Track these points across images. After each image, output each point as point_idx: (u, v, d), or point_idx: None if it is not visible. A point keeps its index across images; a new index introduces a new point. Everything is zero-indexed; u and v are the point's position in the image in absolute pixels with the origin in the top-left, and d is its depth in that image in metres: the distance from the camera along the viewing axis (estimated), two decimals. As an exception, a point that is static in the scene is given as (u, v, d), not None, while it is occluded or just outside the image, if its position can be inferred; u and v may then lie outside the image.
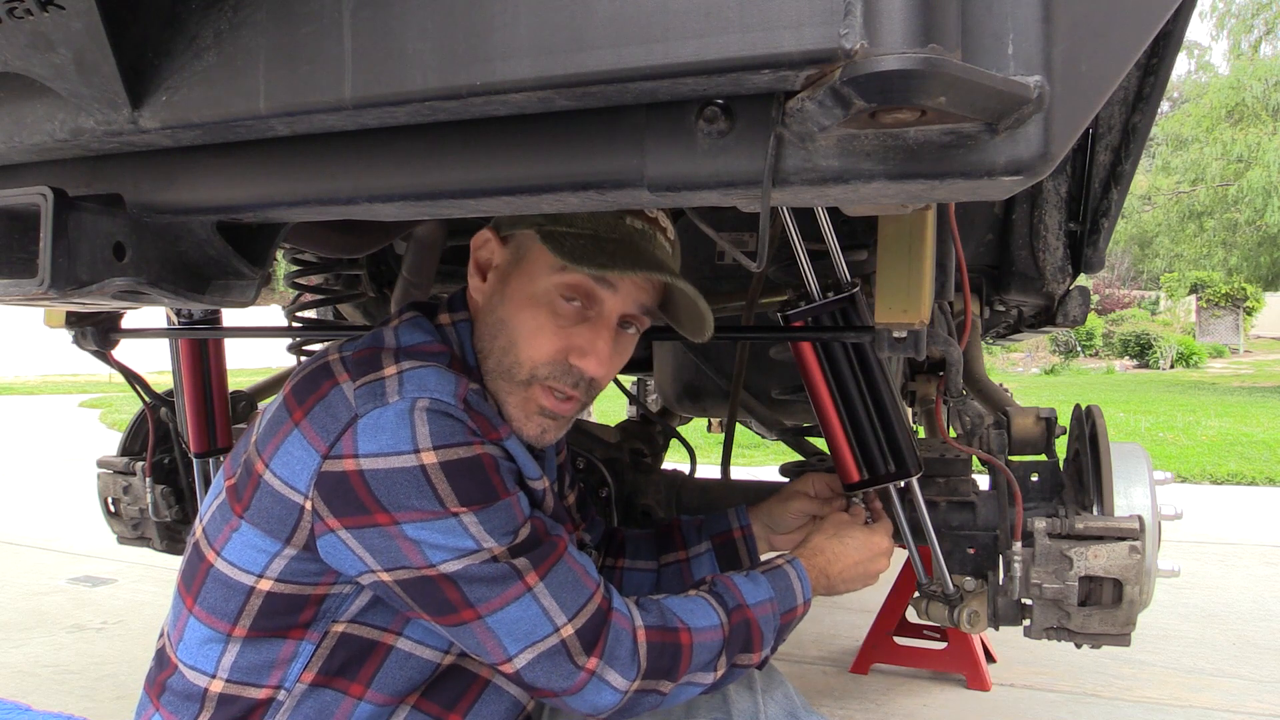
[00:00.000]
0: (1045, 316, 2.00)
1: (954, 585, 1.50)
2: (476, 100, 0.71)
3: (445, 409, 1.02)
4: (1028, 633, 1.46)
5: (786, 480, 1.62)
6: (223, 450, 1.99)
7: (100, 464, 2.27)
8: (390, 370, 1.06)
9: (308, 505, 1.02)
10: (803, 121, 0.66)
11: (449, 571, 1.01)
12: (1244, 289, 27.58)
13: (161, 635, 1.19)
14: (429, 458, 0.99)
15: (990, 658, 3.05)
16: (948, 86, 0.58)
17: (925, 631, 3.02)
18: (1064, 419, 1.64)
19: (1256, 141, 15.23)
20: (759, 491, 1.78)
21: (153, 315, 1.62)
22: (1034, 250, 1.67)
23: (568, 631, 1.05)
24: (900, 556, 1.52)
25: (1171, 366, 22.92)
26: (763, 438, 4.14)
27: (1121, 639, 1.41)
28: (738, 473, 2.00)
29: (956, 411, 1.54)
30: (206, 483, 2.00)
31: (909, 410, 2.48)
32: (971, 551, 1.54)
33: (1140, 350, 23.52)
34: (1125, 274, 29.55)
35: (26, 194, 0.82)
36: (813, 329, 1.33)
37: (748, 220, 1.82)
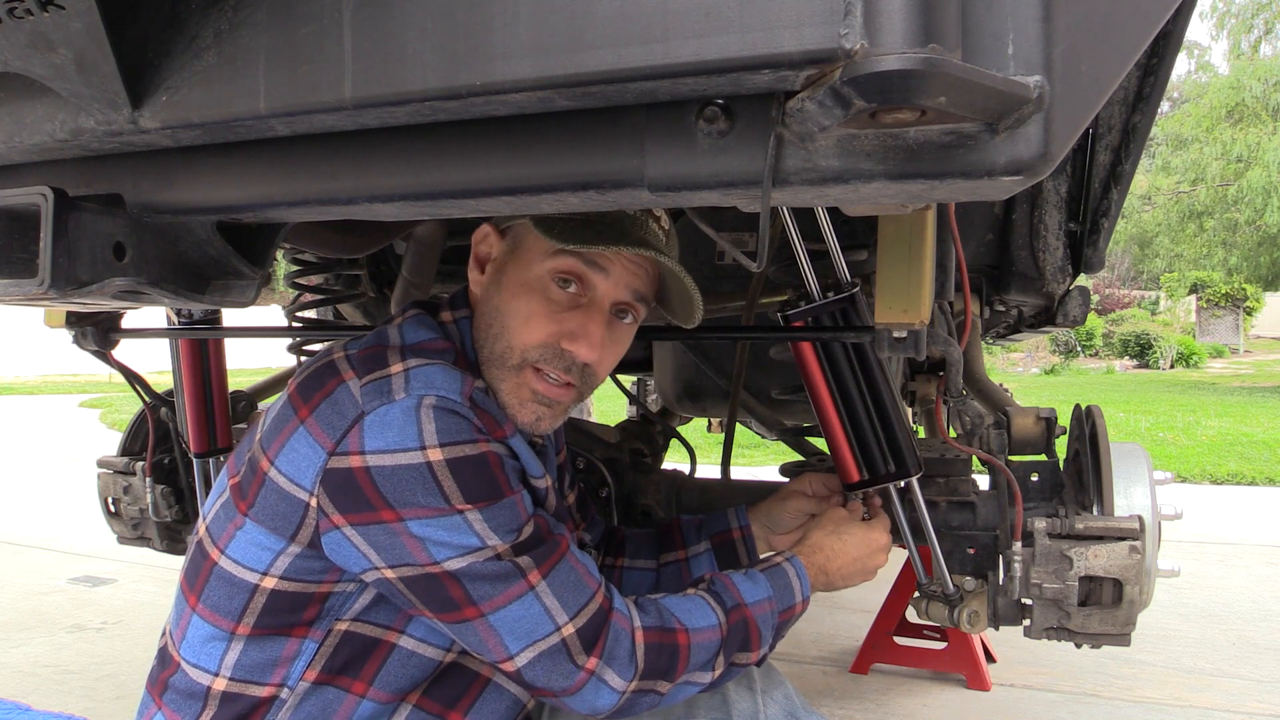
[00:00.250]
0: (1045, 316, 2.00)
1: (954, 585, 1.50)
2: (476, 100, 0.71)
3: (451, 406, 1.03)
4: (1028, 633, 1.46)
5: (786, 480, 1.62)
6: (223, 450, 1.99)
7: (100, 464, 2.27)
8: (396, 367, 1.06)
9: (313, 502, 1.02)
10: (803, 121, 0.66)
11: (453, 569, 1.01)
12: (1244, 289, 27.58)
13: (164, 634, 1.19)
14: (435, 455, 1.00)
15: (990, 658, 3.05)
16: (948, 86, 0.58)
17: (925, 631, 3.02)
18: (1064, 419, 1.64)
19: (1256, 141, 15.22)
20: (759, 491, 1.78)
21: (153, 315, 1.62)
22: (1034, 250, 1.67)
23: (569, 631, 1.05)
24: (900, 556, 1.52)
25: (1171, 366, 22.92)
26: (763, 438, 4.14)
27: (1121, 639, 1.41)
28: (738, 473, 2.00)
29: (956, 411, 1.54)
30: (207, 482, 2.00)
31: (909, 410, 2.49)
32: (971, 551, 1.54)
33: (1140, 350, 23.52)
34: (1125, 274, 29.55)
35: (27, 194, 0.82)
36: (813, 329, 1.33)
37: (748, 220, 1.82)
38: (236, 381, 2.19)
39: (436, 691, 1.14)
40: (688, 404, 2.39)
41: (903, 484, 1.40)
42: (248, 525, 1.07)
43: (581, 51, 0.66)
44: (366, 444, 1.00)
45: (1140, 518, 1.39)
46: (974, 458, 1.51)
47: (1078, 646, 1.47)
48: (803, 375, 1.40)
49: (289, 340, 2.03)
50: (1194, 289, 27.88)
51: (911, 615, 2.92)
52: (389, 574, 1.03)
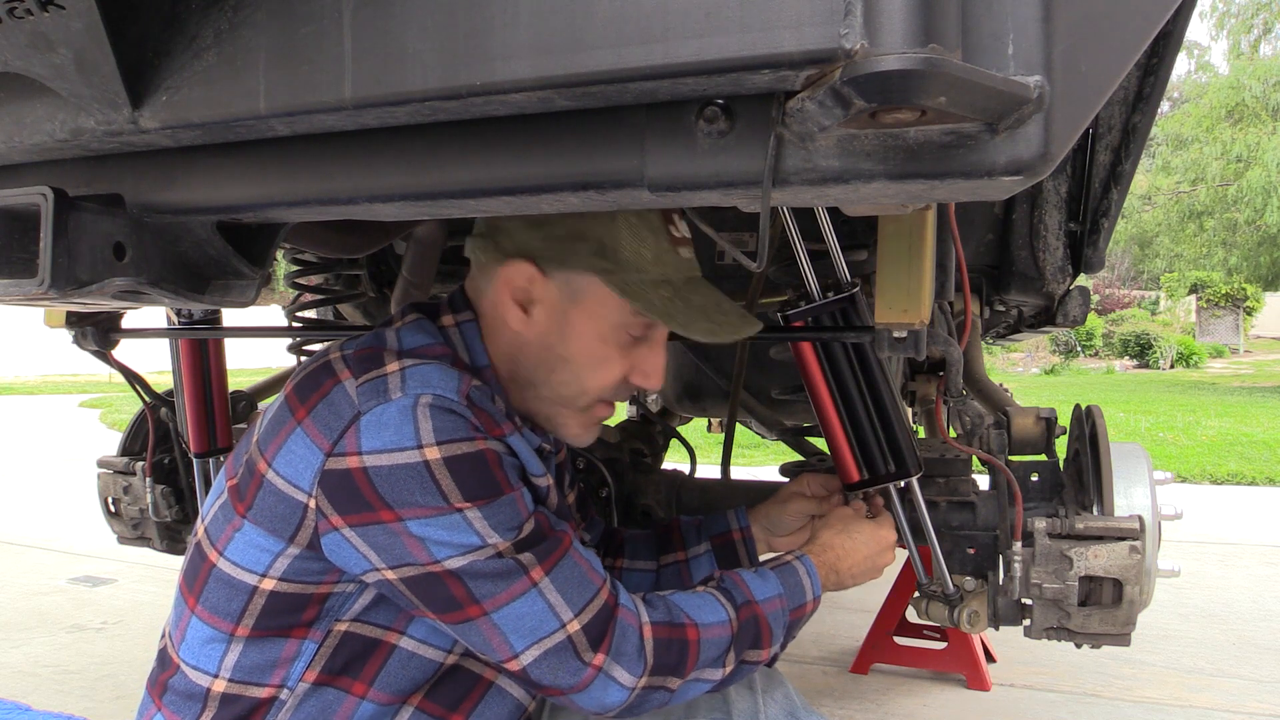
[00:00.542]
0: (1045, 316, 2.00)
1: (954, 585, 1.50)
2: (476, 100, 0.71)
3: (448, 405, 1.02)
4: (1028, 633, 1.46)
5: (786, 480, 1.62)
6: (223, 450, 1.99)
7: (100, 464, 2.27)
8: (393, 367, 1.06)
9: (311, 503, 1.02)
10: (803, 121, 0.66)
11: (454, 568, 1.01)
12: (1244, 289, 27.58)
13: (163, 636, 1.19)
14: (432, 453, 0.99)
15: (990, 658, 3.05)
16: (948, 86, 0.58)
17: (925, 631, 3.02)
18: (1064, 419, 1.64)
19: (1256, 141, 15.22)
20: (759, 491, 1.78)
21: (153, 315, 1.62)
22: (1034, 250, 1.67)
23: (574, 627, 1.05)
24: (900, 555, 1.52)
25: (1171, 366, 22.92)
26: (763, 438, 4.14)
27: (1121, 639, 1.41)
28: (738, 473, 2.00)
29: (956, 411, 1.54)
30: (207, 483, 2.00)
31: (909, 410, 2.49)
32: (971, 551, 1.54)
33: (1140, 350, 23.52)
34: (1125, 274, 29.55)
35: (26, 194, 0.82)
36: (813, 329, 1.33)
37: (748, 220, 1.82)
38: (236, 381, 2.19)
39: (438, 693, 1.13)
40: (688, 404, 2.39)
41: (903, 484, 1.40)
42: (246, 527, 1.06)
43: (581, 51, 0.66)
44: (363, 444, 1.00)
45: (1140, 518, 1.39)
46: (974, 458, 1.51)
47: (1078, 646, 1.47)
48: (803, 375, 1.40)
49: (289, 340, 2.03)
50: (1194, 289, 27.88)
51: (911, 615, 2.92)
52: (390, 575, 1.02)
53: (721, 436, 2.09)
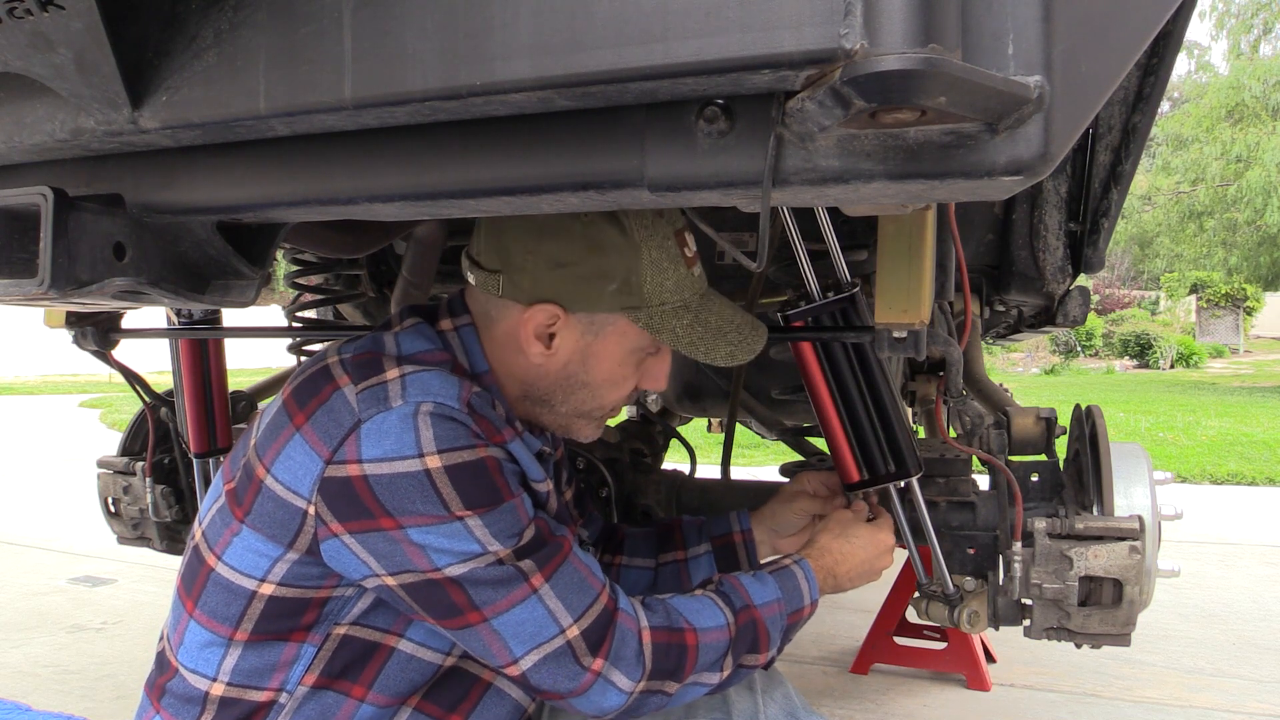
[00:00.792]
0: (1045, 316, 2.00)
1: (954, 585, 1.50)
2: (476, 100, 0.71)
3: (449, 413, 1.02)
4: (1028, 633, 1.46)
5: (786, 480, 1.62)
6: (223, 450, 1.99)
7: (100, 464, 2.27)
8: (393, 374, 1.05)
9: (311, 510, 1.01)
10: (803, 121, 0.66)
11: (454, 575, 1.01)
12: (1244, 289, 27.58)
13: (162, 638, 1.18)
14: (433, 462, 0.99)
15: (990, 658, 3.05)
16: (948, 86, 0.58)
17: (925, 631, 3.01)
18: (1064, 419, 1.64)
19: (1256, 141, 15.22)
20: (759, 492, 1.78)
21: (153, 315, 1.62)
22: (1034, 250, 1.67)
23: (573, 632, 1.05)
24: (900, 556, 1.52)
25: (1171, 366, 22.92)
26: (763, 438, 4.14)
27: (1121, 639, 1.41)
28: (738, 473, 2.00)
29: (956, 411, 1.54)
30: (207, 482, 2.00)
31: (909, 410, 2.49)
32: (971, 551, 1.54)
33: (1140, 350, 23.52)
34: (1125, 274, 29.55)
35: (27, 194, 0.82)
36: (813, 329, 1.33)
37: (748, 220, 1.82)
38: (236, 381, 2.19)
39: (437, 695, 1.13)
40: (688, 404, 2.39)
41: (903, 484, 1.40)
42: (245, 532, 1.06)
43: (581, 51, 0.66)
44: (364, 452, 0.99)
45: (1140, 518, 1.39)
46: (974, 458, 1.51)
47: (1078, 646, 1.47)
48: (803, 375, 1.40)
49: (289, 340, 2.03)
50: (1194, 289, 27.88)
51: (911, 615, 2.92)
52: (390, 581, 1.02)
53: (721, 436, 2.09)
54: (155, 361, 2.81)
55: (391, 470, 0.99)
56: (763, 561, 1.38)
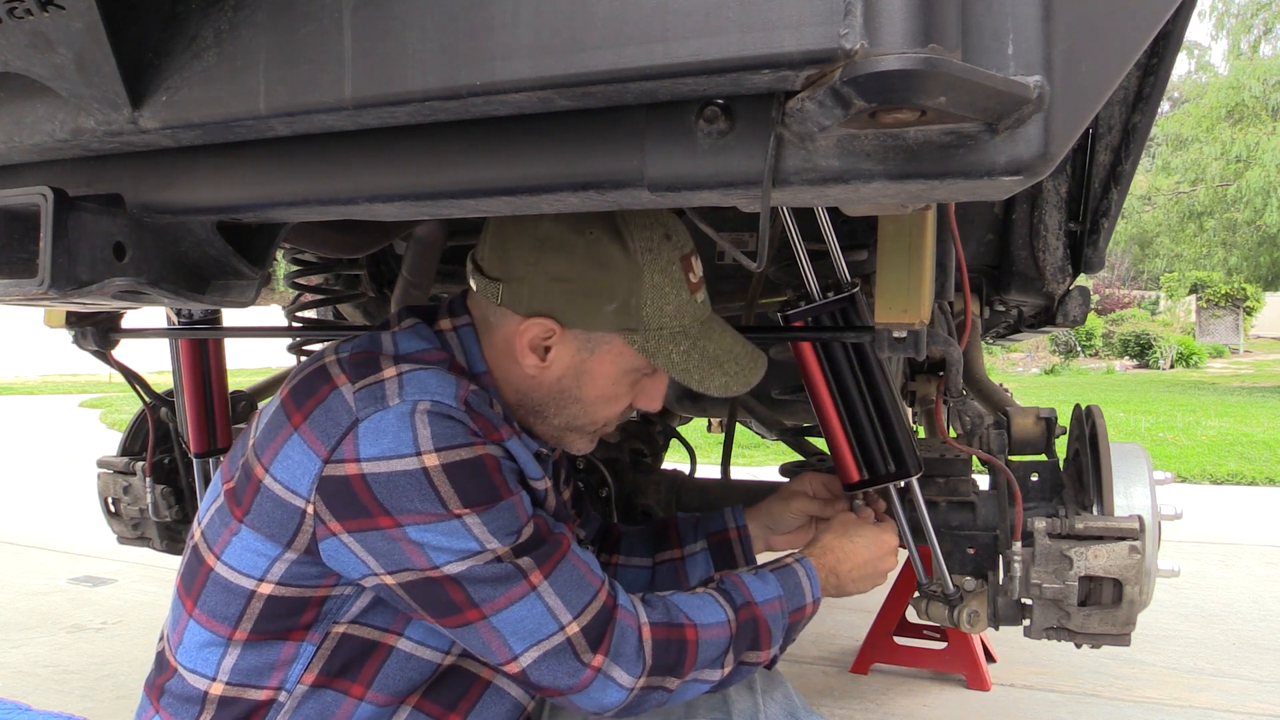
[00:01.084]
0: (1045, 316, 2.00)
1: (954, 585, 1.50)
2: (476, 100, 0.71)
3: (446, 411, 1.02)
4: (1028, 633, 1.46)
5: (786, 480, 1.62)
6: (223, 450, 1.99)
7: (100, 464, 2.27)
8: (390, 372, 1.05)
9: (309, 509, 1.02)
10: (803, 121, 0.66)
11: (453, 573, 1.01)
12: (1244, 289, 27.58)
13: (161, 638, 1.19)
14: (431, 460, 0.99)
15: (990, 658, 3.05)
16: (948, 86, 0.58)
17: (925, 631, 3.01)
18: (1064, 419, 1.64)
19: (1256, 141, 15.22)
20: (759, 491, 1.78)
21: (153, 315, 1.62)
22: (1034, 250, 1.67)
23: (573, 629, 1.05)
24: (900, 556, 1.51)
25: (1171, 366, 22.92)
26: (763, 438, 4.14)
27: (1121, 639, 1.41)
28: (738, 473, 2.00)
29: (956, 411, 1.54)
30: (206, 482, 2.00)
31: (909, 410, 2.48)
32: (971, 551, 1.54)
33: (1140, 350, 23.52)
34: (1125, 274, 29.55)
35: (27, 194, 0.82)
36: (813, 329, 1.33)
37: (748, 220, 1.82)
38: (236, 381, 2.19)
39: (436, 694, 1.13)
40: (688, 404, 2.39)
41: (903, 484, 1.40)
42: (243, 532, 1.06)
43: (582, 51, 0.66)
44: (362, 451, 0.99)
45: (1140, 518, 1.39)
46: (974, 458, 1.51)
47: (1078, 646, 1.47)
48: (803, 375, 1.40)
49: (289, 340, 2.03)
50: (1194, 289, 27.88)
51: (911, 615, 2.92)
52: (389, 580, 1.02)
53: (721, 436, 2.09)
54: (155, 361, 2.81)
55: (389, 469, 0.99)
56: (764, 560, 1.38)
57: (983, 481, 1.60)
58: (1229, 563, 4.52)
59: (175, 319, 1.84)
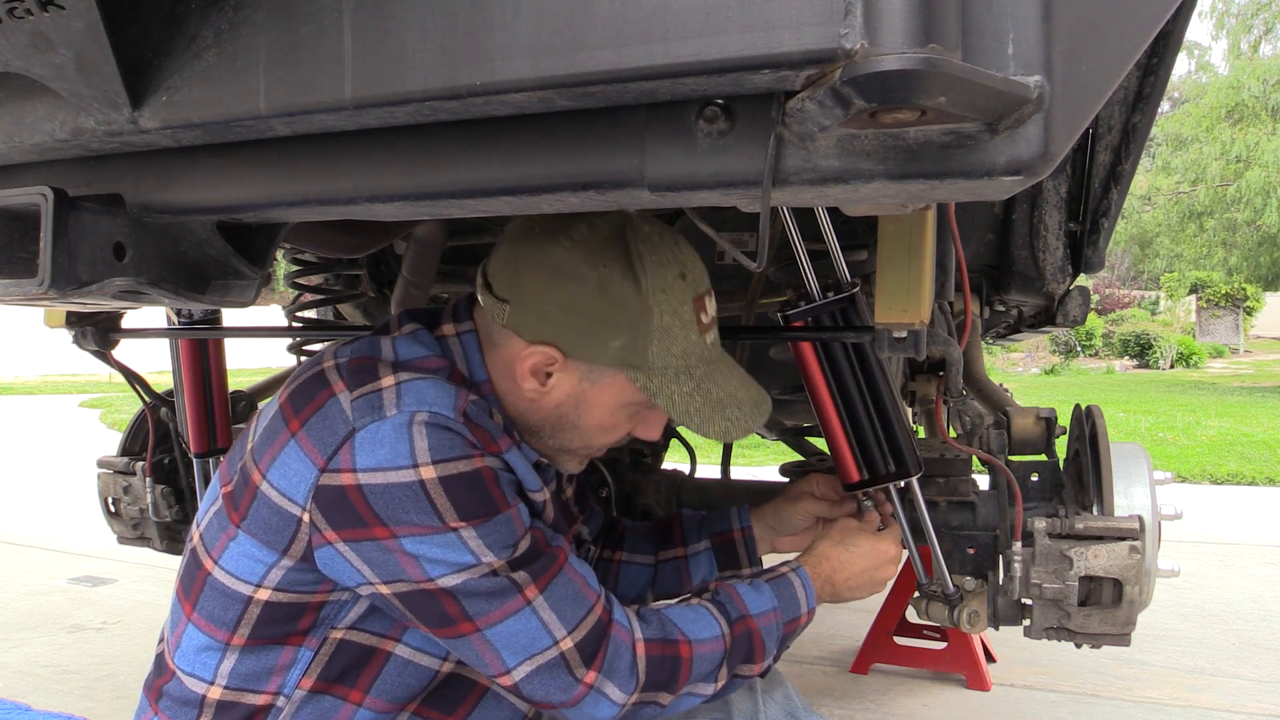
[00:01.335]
0: (1045, 316, 2.00)
1: (954, 585, 1.50)
2: (476, 100, 0.71)
3: (444, 422, 1.01)
4: (1028, 633, 1.46)
5: (786, 480, 1.61)
6: (222, 450, 1.99)
7: (100, 464, 2.27)
8: (388, 381, 1.04)
9: (305, 517, 1.01)
10: (803, 121, 0.66)
11: (447, 586, 1.00)
12: (1244, 289, 27.58)
13: (161, 639, 1.19)
14: (428, 472, 0.98)
15: (990, 658, 3.05)
16: (948, 86, 0.58)
17: (925, 631, 3.01)
18: (1064, 419, 1.64)
19: (1256, 141, 15.22)
20: (759, 491, 1.78)
21: (153, 315, 1.62)
22: (1034, 250, 1.67)
23: (567, 644, 1.05)
24: (900, 559, 1.51)
25: (1171, 366, 22.91)
26: (763, 438, 4.14)
27: (1121, 639, 1.41)
28: (738, 473, 2.00)
29: (956, 411, 1.54)
30: (206, 482, 2.00)
31: (909, 410, 2.49)
32: (971, 551, 1.54)
33: (1140, 350, 23.51)
34: (1125, 274, 29.54)
35: (27, 194, 0.82)
36: (813, 329, 1.32)
37: (748, 220, 1.82)
38: (236, 381, 2.19)
39: (435, 700, 1.13)
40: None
41: (903, 484, 1.40)
42: (240, 537, 1.06)
43: (581, 51, 0.66)
44: (358, 461, 0.99)
45: (1140, 518, 1.39)
46: (974, 458, 1.51)
47: (1078, 646, 1.47)
48: (803, 375, 1.40)
49: (289, 340, 2.03)
50: (1194, 289, 27.89)
51: (911, 615, 2.92)
52: (383, 589, 1.02)
53: (721, 436, 2.08)
54: (155, 361, 2.81)
55: (385, 480, 0.98)
56: (760, 569, 1.37)
57: (983, 481, 1.60)
58: (1229, 563, 4.52)
59: (175, 319, 1.84)
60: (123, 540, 2.29)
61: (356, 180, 0.84)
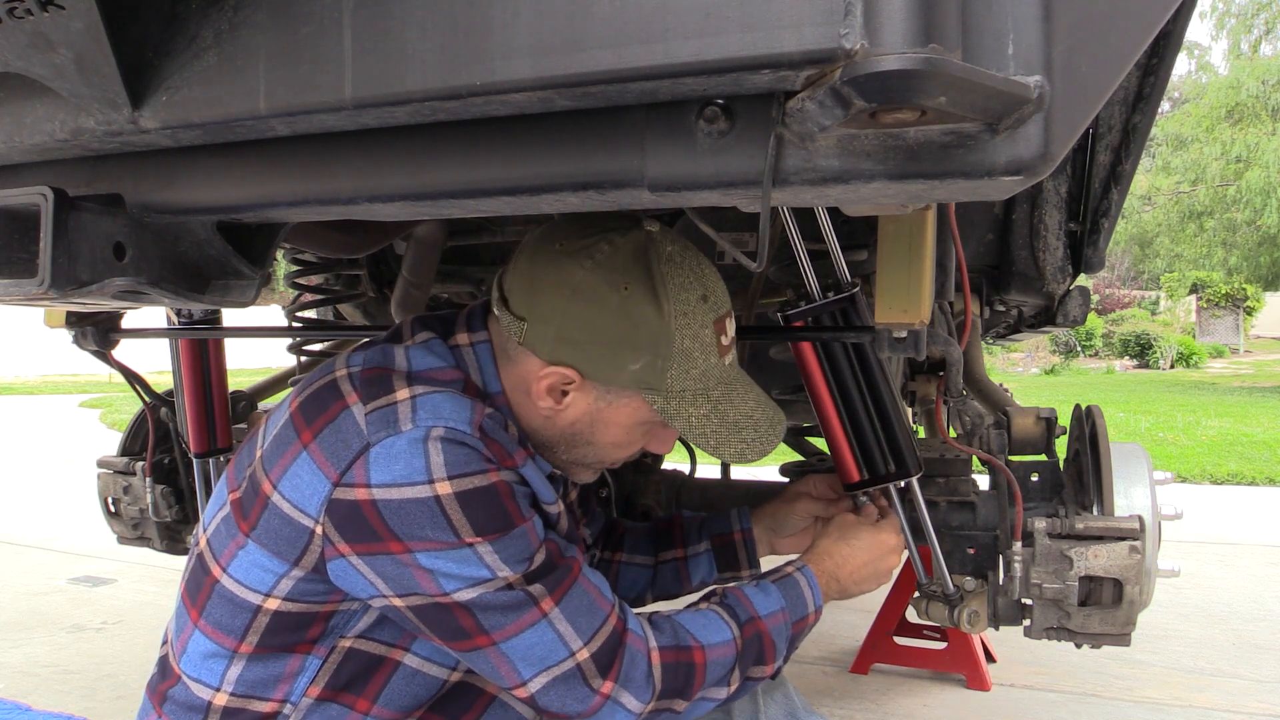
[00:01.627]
0: (1045, 316, 2.00)
1: (954, 585, 1.50)
2: (476, 100, 0.71)
3: (460, 437, 1.00)
4: (1028, 633, 1.46)
5: (787, 480, 1.61)
6: (223, 450, 1.99)
7: (100, 464, 2.27)
8: (403, 394, 1.03)
9: (318, 530, 1.00)
10: (803, 121, 0.66)
11: (463, 600, 1.00)
12: (1244, 289, 27.58)
13: (165, 641, 1.18)
14: (444, 488, 0.97)
15: (990, 658, 3.05)
16: (948, 86, 0.58)
17: (925, 631, 3.01)
18: (1064, 419, 1.64)
19: (1256, 141, 15.22)
20: (759, 491, 1.78)
21: (153, 315, 1.62)
22: (1034, 250, 1.67)
23: (583, 655, 1.04)
24: (902, 554, 1.51)
25: (1171, 366, 22.91)
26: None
27: (1121, 639, 1.41)
28: (737, 473, 2.00)
29: (956, 411, 1.54)
30: (207, 482, 2.00)
31: (909, 410, 2.49)
32: (971, 551, 1.54)
33: (1140, 350, 23.51)
34: (1125, 274, 29.54)
35: (27, 194, 0.82)
36: (813, 329, 1.32)
37: (748, 220, 1.82)
38: (236, 381, 2.19)
39: (441, 707, 1.13)
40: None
41: (903, 484, 1.40)
42: (250, 546, 1.05)
43: (582, 51, 0.66)
44: (373, 477, 0.98)
45: (1140, 518, 1.39)
46: (974, 458, 1.51)
47: (1078, 646, 1.47)
48: (803, 375, 1.40)
49: (289, 340, 2.03)
50: (1194, 289, 27.90)
51: (911, 615, 2.92)
52: (397, 602, 1.02)
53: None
54: (155, 361, 2.81)
55: (401, 496, 0.97)
56: (765, 570, 1.37)
57: (983, 481, 1.60)
58: (1229, 563, 4.52)
59: (175, 319, 1.84)
60: (123, 540, 2.29)
61: (356, 180, 0.84)
